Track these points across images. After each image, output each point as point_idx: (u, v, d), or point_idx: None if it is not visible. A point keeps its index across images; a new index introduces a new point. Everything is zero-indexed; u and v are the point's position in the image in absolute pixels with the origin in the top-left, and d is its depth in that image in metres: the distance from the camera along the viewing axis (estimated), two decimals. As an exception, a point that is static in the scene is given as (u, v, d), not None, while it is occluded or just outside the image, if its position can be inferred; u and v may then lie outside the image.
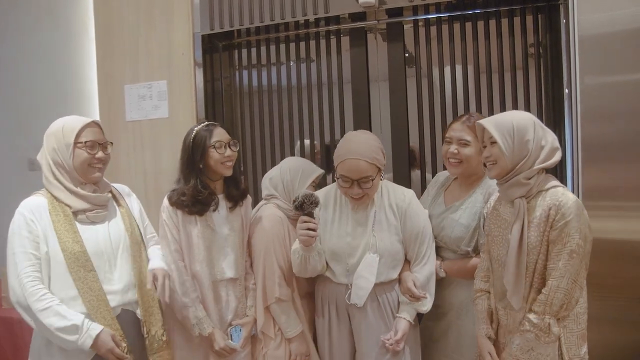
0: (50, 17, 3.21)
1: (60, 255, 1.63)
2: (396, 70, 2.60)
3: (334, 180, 1.93)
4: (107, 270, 1.70)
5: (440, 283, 1.95)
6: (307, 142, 2.81)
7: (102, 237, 1.72)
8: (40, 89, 3.26)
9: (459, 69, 2.53)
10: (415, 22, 2.59)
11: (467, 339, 1.86)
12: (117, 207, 1.82)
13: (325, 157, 2.77)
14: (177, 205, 1.92)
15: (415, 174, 2.65)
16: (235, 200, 2.01)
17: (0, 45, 3.37)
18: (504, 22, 2.47)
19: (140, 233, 1.86)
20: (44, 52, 3.24)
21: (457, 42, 2.53)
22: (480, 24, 2.50)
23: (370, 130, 2.58)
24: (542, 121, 1.68)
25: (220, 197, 1.99)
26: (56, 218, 1.66)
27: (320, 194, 1.95)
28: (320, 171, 2.09)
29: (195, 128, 1.94)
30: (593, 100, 2.08)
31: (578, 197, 1.72)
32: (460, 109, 2.51)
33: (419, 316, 2.01)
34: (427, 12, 2.56)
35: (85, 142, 1.70)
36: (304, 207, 1.78)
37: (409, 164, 2.60)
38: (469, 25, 2.51)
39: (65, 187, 1.69)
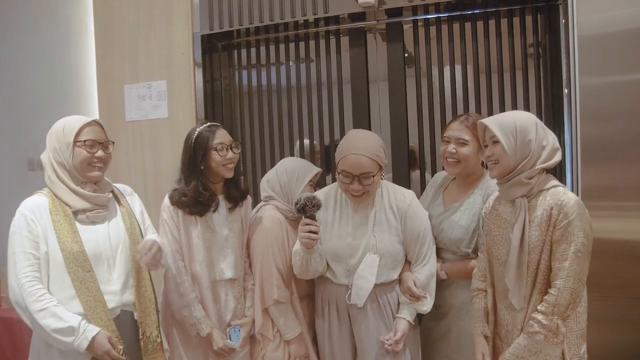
0: (50, 17, 3.21)
1: (59, 255, 1.63)
2: (395, 71, 2.60)
3: (333, 181, 1.93)
4: (105, 271, 1.70)
5: (441, 284, 1.95)
6: (306, 142, 2.81)
7: (102, 237, 1.72)
8: (40, 89, 3.26)
9: (458, 69, 2.53)
10: (415, 22, 2.59)
11: (467, 340, 1.86)
12: (118, 207, 1.82)
13: (324, 158, 2.77)
14: (178, 205, 1.92)
15: (415, 174, 2.65)
16: (235, 201, 2.01)
17: (0, 45, 3.37)
18: (504, 22, 2.47)
19: (141, 233, 1.85)
20: (43, 52, 3.24)
21: (456, 42, 2.53)
22: (480, 24, 2.50)
23: (370, 130, 2.58)
24: (542, 121, 1.69)
25: (220, 197, 1.99)
26: (56, 218, 1.66)
27: (320, 194, 1.95)
28: (317, 170, 2.09)
29: (198, 129, 1.94)
30: (592, 100, 2.08)
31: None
32: (460, 109, 2.52)
33: (419, 317, 2.01)
34: (426, 12, 2.56)
35: (85, 140, 1.70)
36: (306, 210, 1.78)
37: (408, 164, 2.60)
38: (468, 25, 2.51)
39: (67, 186, 1.69)
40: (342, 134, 2.69)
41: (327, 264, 1.95)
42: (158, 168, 2.85)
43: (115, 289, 1.70)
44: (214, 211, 1.96)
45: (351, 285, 1.88)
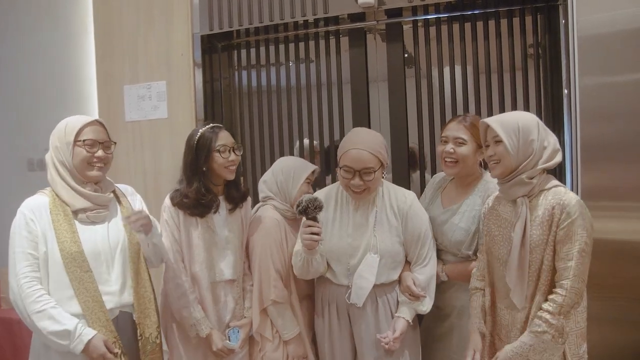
0: (50, 17, 3.22)
1: (58, 255, 1.63)
2: (395, 71, 2.60)
3: (333, 181, 1.93)
4: (104, 271, 1.69)
5: (442, 286, 1.95)
6: (306, 142, 2.81)
7: (101, 237, 1.72)
8: (39, 89, 3.26)
9: (458, 69, 2.53)
10: (415, 22, 2.59)
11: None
12: (118, 208, 1.82)
13: (324, 158, 2.77)
14: (179, 206, 1.92)
15: (415, 174, 2.65)
16: (235, 202, 2.01)
17: (0, 45, 3.37)
18: (503, 22, 2.47)
19: None
20: (43, 52, 3.24)
21: (456, 42, 2.53)
22: (480, 25, 2.50)
23: (370, 130, 2.58)
24: (541, 122, 1.70)
25: (221, 198, 1.99)
26: (56, 217, 1.66)
27: (320, 194, 1.95)
28: (313, 167, 2.09)
29: (200, 130, 1.93)
30: (592, 100, 2.08)
31: (577, 197, 1.72)
32: (460, 110, 2.52)
33: (420, 318, 2.01)
34: (426, 12, 2.56)
35: (84, 140, 1.70)
36: (308, 211, 1.78)
37: (408, 165, 2.60)
38: (468, 25, 2.51)
39: (69, 185, 1.69)
40: (342, 134, 2.69)
41: (328, 264, 1.95)
42: (158, 168, 2.85)
43: (113, 289, 1.70)
44: (215, 212, 1.96)
45: (351, 285, 1.88)
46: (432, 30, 2.58)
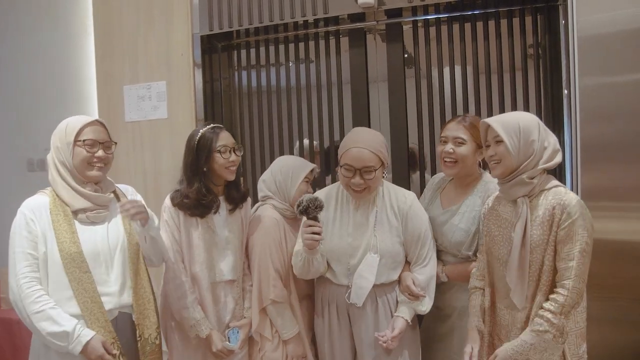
0: (50, 17, 3.22)
1: (57, 255, 1.63)
2: (395, 71, 2.60)
3: (333, 182, 1.93)
4: (103, 272, 1.69)
5: (443, 287, 1.95)
6: (306, 142, 2.81)
7: (100, 238, 1.72)
8: (39, 89, 3.26)
9: (458, 69, 2.53)
10: (415, 23, 2.59)
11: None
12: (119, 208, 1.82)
13: (324, 158, 2.77)
14: (179, 206, 1.92)
15: (415, 175, 2.65)
16: (235, 203, 2.01)
17: (0, 45, 3.37)
18: (503, 23, 2.48)
19: None
20: (43, 52, 3.24)
21: (456, 43, 2.53)
22: (480, 25, 2.50)
23: (370, 131, 2.58)
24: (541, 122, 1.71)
25: (221, 199, 1.99)
26: (56, 218, 1.66)
27: (321, 194, 1.95)
28: (311, 166, 2.09)
29: (201, 130, 1.93)
30: (592, 100, 2.08)
31: (576, 197, 1.73)
32: (460, 110, 2.52)
33: (420, 319, 2.01)
34: (426, 13, 2.56)
35: (84, 140, 1.70)
36: (309, 211, 1.78)
37: (408, 165, 2.60)
38: (468, 26, 2.51)
39: (69, 186, 1.69)
40: (342, 134, 2.69)
41: (328, 264, 1.95)
42: (158, 169, 2.85)
43: (112, 290, 1.70)
44: (215, 213, 1.95)
45: (351, 285, 1.88)
46: (432, 30, 2.58)
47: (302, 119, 2.80)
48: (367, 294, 1.86)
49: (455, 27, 2.53)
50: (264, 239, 1.97)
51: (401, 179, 2.54)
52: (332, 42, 2.75)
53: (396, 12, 2.57)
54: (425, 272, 1.88)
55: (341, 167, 1.86)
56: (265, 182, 2.08)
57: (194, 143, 1.92)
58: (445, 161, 1.92)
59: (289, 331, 1.96)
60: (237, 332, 1.97)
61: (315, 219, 1.80)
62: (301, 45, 2.81)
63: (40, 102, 3.24)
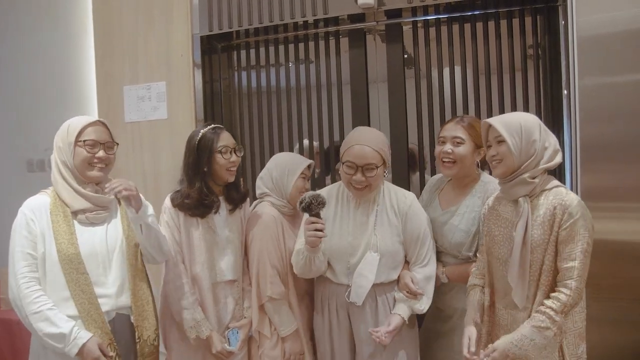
0: (50, 17, 3.21)
1: (55, 256, 1.64)
2: (395, 72, 2.60)
3: (333, 182, 1.93)
4: (101, 273, 1.69)
5: (443, 287, 1.96)
6: (306, 142, 2.81)
7: (99, 239, 1.72)
8: (39, 89, 3.25)
9: (457, 70, 2.53)
10: (414, 23, 2.59)
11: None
12: (118, 209, 1.81)
13: (324, 159, 2.77)
14: (180, 207, 1.92)
15: (415, 175, 2.65)
16: (235, 203, 2.02)
17: (0, 45, 3.37)
18: (503, 23, 2.48)
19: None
20: (43, 52, 3.23)
21: (456, 43, 2.53)
22: (479, 26, 2.50)
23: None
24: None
25: (221, 199, 1.99)
26: (55, 218, 1.67)
27: (322, 193, 1.95)
28: (307, 162, 2.08)
29: (201, 130, 1.93)
30: (592, 101, 2.08)
31: (576, 198, 1.73)
32: (459, 111, 2.52)
33: (420, 319, 2.02)
34: (426, 13, 2.56)
35: (85, 140, 1.70)
36: (312, 207, 1.78)
37: (408, 166, 2.60)
38: (467, 26, 2.51)
39: (70, 186, 1.70)
40: (342, 135, 2.69)
41: (328, 263, 1.95)
42: (157, 169, 2.85)
43: (110, 292, 1.70)
44: (215, 212, 1.96)
45: (351, 284, 1.88)
46: (432, 31, 2.58)
47: (302, 120, 2.80)
48: (367, 293, 1.86)
49: (455, 27, 2.53)
50: (261, 235, 1.97)
51: (401, 180, 2.54)
52: (332, 42, 2.75)
53: (396, 13, 2.57)
54: (425, 272, 1.89)
55: (343, 164, 1.87)
56: (263, 179, 2.09)
57: (195, 143, 1.92)
58: (444, 161, 1.92)
59: (286, 328, 1.96)
60: (237, 332, 1.97)
61: (318, 215, 1.80)
62: (301, 45, 2.81)
63: (40, 102, 3.24)
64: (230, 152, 1.93)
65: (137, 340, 1.72)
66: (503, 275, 1.64)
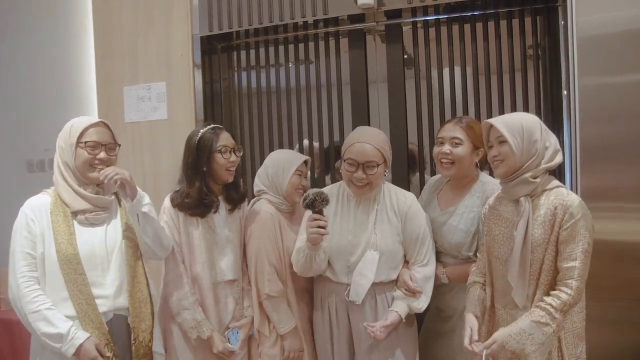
0: (50, 17, 3.21)
1: (55, 256, 1.65)
2: (395, 72, 2.60)
3: (333, 182, 1.93)
4: (99, 274, 1.70)
5: (443, 288, 1.96)
6: (306, 143, 2.81)
7: (99, 240, 1.72)
8: (39, 89, 3.26)
9: (457, 70, 2.53)
10: (414, 23, 2.59)
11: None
12: (119, 210, 1.81)
13: (324, 159, 2.77)
14: (179, 207, 1.92)
15: (415, 176, 2.65)
16: (234, 203, 2.02)
17: (0, 45, 3.37)
18: (503, 24, 2.48)
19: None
20: (43, 52, 3.24)
21: (455, 44, 2.53)
22: (479, 26, 2.50)
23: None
24: (541, 123, 1.73)
25: (220, 198, 2.00)
26: (55, 218, 1.67)
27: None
28: (303, 158, 2.08)
29: (201, 130, 1.94)
30: (591, 101, 2.08)
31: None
32: (459, 111, 2.52)
33: (419, 320, 2.02)
34: (425, 14, 2.56)
35: (86, 142, 1.71)
36: (315, 204, 1.79)
37: (408, 166, 2.60)
38: (467, 27, 2.52)
39: (70, 186, 1.70)
40: (342, 135, 2.69)
41: (328, 262, 1.95)
42: (157, 170, 2.85)
43: (108, 293, 1.70)
44: (215, 212, 1.96)
45: (350, 283, 1.89)
46: (432, 31, 2.58)
47: (301, 120, 2.80)
48: (367, 292, 1.87)
49: (455, 28, 2.53)
50: (259, 233, 1.97)
51: (401, 180, 2.54)
52: (332, 43, 2.75)
53: (396, 13, 2.57)
54: (424, 272, 1.89)
55: (344, 161, 1.88)
56: (260, 177, 2.10)
57: (194, 143, 1.92)
58: (442, 162, 1.93)
59: (285, 326, 1.96)
60: (237, 332, 1.98)
61: (321, 212, 1.81)
62: (301, 46, 2.81)
63: (40, 102, 3.24)
64: (230, 152, 1.94)
65: (133, 342, 1.72)
66: (503, 274, 1.65)
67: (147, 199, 1.80)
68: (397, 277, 1.92)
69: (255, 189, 2.11)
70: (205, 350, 1.94)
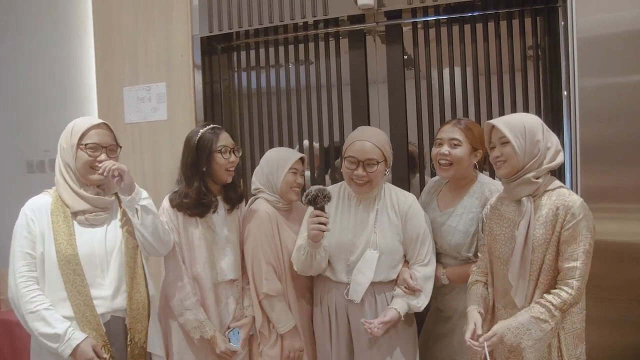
0: (50, 17, 3.21)
1: (54, 256, 1.65)
2: (395, 73, 2.60)
3: (333, 182, 1.93)
4: (98, 275, 1.70)
5: (444, 289, 1.97)
6: (306, 143, 2.81)
7: (98, 240, 1.72)
8: (39, 89, 3.25)
9: (457, 71, 2.53)
10: (414, 24, 2.59)
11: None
12: (119, 211, 1.81)
13: (324, 160, 2.77)
14: (178, 207, 1.92)
15: (415, 177, 2.65)
16: (233, 203, 2.02)
17: (0, 45, 3.37)
18: (503, 24, 2.48)
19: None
20: (43, 52, 3.24)
21: (455, 44, 2.53)
22: (479, 27, 2.50)
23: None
24: (541, 123, 1.73)
25: (219, 198, 2.00)
26: (56, 219, 1.68)
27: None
28: (297, 156, 2.08)
29: (200, 130, 1.94)
30: (591, 102, 2.09)
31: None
32: (459, 111, 2.52)
33: (420, 320, 2.02)
34: (425, 14, 2.56)
35: (87, 144, 1.71)
36: (317, 201, 1.79)
37: (408, 167, 2.60)
38: (467, 27, 2.52)
39: (70, 187, 1.71)
40: (342, 136, 2.69)
41: (328, 261, 1.96)
42: (157, 170, 2.85)
43: (106, 294, 1.70)
44: (214, 212, 1.96)
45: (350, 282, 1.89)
46: (432, 32, 2.58)
47: (302, 121, 2.80)
48: (366, 291, 1.87)
49: (455, 28, 2.53)
50: (255, 232, 1.98)
51: (401, 180, 2.54)
52: (332, 43, 2.74)
53: (396, 14, 2.57)
54: (425, 271, 1.90)
55: (345, 159, 1.89)
56: (256, 175, 2.10)
57: (194, 143, 1.92)
58: (440, 163, 1.93)
59: (284, 325, 1.96)
60: (238, 332, 1.98)
61: (322, 209, 1.81)
62: (301, 46, 2.81)
63: (40, 102, 3.24)
64: (230, 152, 1.94)
65: (129, 343, 1.72)
66: (504, 274, 1.65)
67: (145, 194, 1.80)
68: (397, 276, 1.92)
69: (253, 187, 2.11)
70: (207, 351, 1.94)
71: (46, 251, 1.66)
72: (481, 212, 1.87)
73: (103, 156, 1.72)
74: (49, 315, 1.60)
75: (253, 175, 2.13)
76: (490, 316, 1.72)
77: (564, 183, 2.18)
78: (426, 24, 2.58)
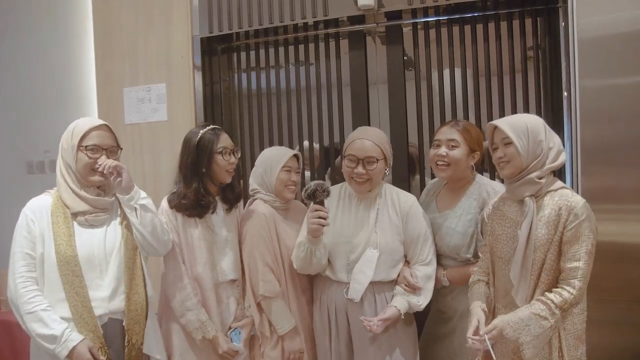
0: (50, 17, 3.21)
1: (53, 257, 1.65)
2: (395, 73, 2.60)
3: (333, 182, 1.94)
4: (97, 276, 1.70)
5: (444, 290, 1.97)
6: (306, 143, 2.81)
7: (97, 242, 1.72)
8: (39, 89, 3.25)
9: (458, 72, 2.53)
10: (414, 25, 2.59)
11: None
12: (119, 211, 1.81)
13: (324, 160, 2.77)
14: (177, 208, 1.92)
15: (414, 178, 2.65)
16: (231, 203, 2.03)
17: (0, 45, 3.37)
18: (503, 25, 2.48)
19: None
20: (43, 52, 3.23)
21: (456, 45, 2.53)
22: (479, 27, 2.50)
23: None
24: (541, 124, 1.73)
25: (217, 199, 2.00)
26: (56, 219, 1.68)
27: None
28: (290, 153, 2.06)
29: (200, 131, 1.93)
30: (592, 103, 2.09)
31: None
32: (459, 112, 2.52)
33: (420, 320, 2.02)
34: (426, 15, 2.56)
35: (87, 146, 1.71)
36: (317, 195, 1.80)
37: (408, 167, 2.60)
38: (467, 28, 2.51)
39: (70, 188, 1.71)
40: (342, 136, 2.69)
41: (328, 260, 1.96)
42: (157, 171, 2.85)
43: (104, 295, 1.69)
44: (212, 212, 1.96)
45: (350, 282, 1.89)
46: (432, 32, 2.58)
47: (302, 121, 2.80)
48: (365, 291, 1.88)
49: (455, 29, 2.53)
50: (252, 233, 1.98)
51: (401, 181, 2.54)
52: (332, 44, 2.74)
53: (396, 15, 2.57)
54: (426, 271, 1.90)
55: (345, 158, 1.90)
56: (253, 176, 2.11)
57: (194, 144, 1.92)
58: (438, 164, 1.93)
59: (284, 326, 1.96)
60: (239, 332, 1.98)
61: (322, 203, 1.81)
62: (301, 47, 2.81)
63: (40, 102, 3.23)
64: (230, 154, 1.94)
65: (126, 344, 1.71)
66: (505, 274, 1.65)
67: (143, 194, 1.81)
68: (397, 276, 1.92)
69: (250, 188, 2.11)
70: (209, 351, 1.94)
71: (46, 252, 1.66)
72: (479, 213, 1.87)
73: (103, 158, 1.72)
74: (46, 316, 1.60)
75: (250, 176, 2.12)
76: (492, 316, 1.72)
77: (565, 183, 2.19)
78: (426, 25, 2.58)
